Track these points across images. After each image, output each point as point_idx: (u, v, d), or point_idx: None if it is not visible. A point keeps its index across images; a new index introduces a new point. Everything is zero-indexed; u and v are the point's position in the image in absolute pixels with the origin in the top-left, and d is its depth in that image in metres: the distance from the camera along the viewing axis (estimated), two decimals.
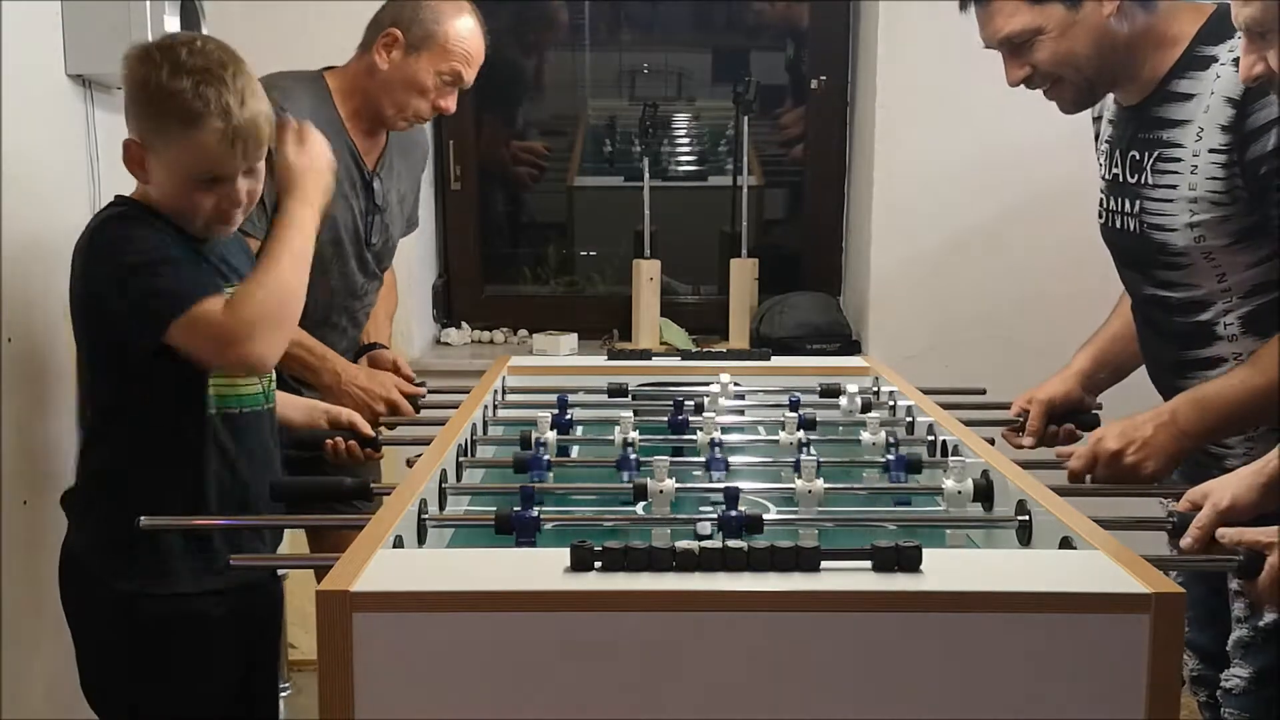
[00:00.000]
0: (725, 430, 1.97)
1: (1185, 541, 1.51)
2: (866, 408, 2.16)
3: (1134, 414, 1.87)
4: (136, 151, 1.71)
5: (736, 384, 2.31)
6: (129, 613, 1.75)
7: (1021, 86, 1.94)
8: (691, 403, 2.10)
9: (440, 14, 2.31)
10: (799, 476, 1.64)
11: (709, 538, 1.30)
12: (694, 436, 1.95)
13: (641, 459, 1.76)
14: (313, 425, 2.07)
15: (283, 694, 3.16)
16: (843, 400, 2.19)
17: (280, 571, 2.01)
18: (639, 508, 1.63)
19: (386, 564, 1.25)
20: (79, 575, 1.82)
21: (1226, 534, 1.44)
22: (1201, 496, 1.54)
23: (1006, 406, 2.24)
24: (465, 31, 2.32)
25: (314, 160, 1.87)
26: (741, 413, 2.17)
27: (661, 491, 1.59)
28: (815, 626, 1.17)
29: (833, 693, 1.17)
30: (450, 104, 2.37)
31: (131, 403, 1.75)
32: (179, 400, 1.75)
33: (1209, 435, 1.83)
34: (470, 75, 2.36)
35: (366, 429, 2.05)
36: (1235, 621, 1.86)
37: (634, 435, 1.85)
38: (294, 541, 2.57)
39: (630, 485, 1.64)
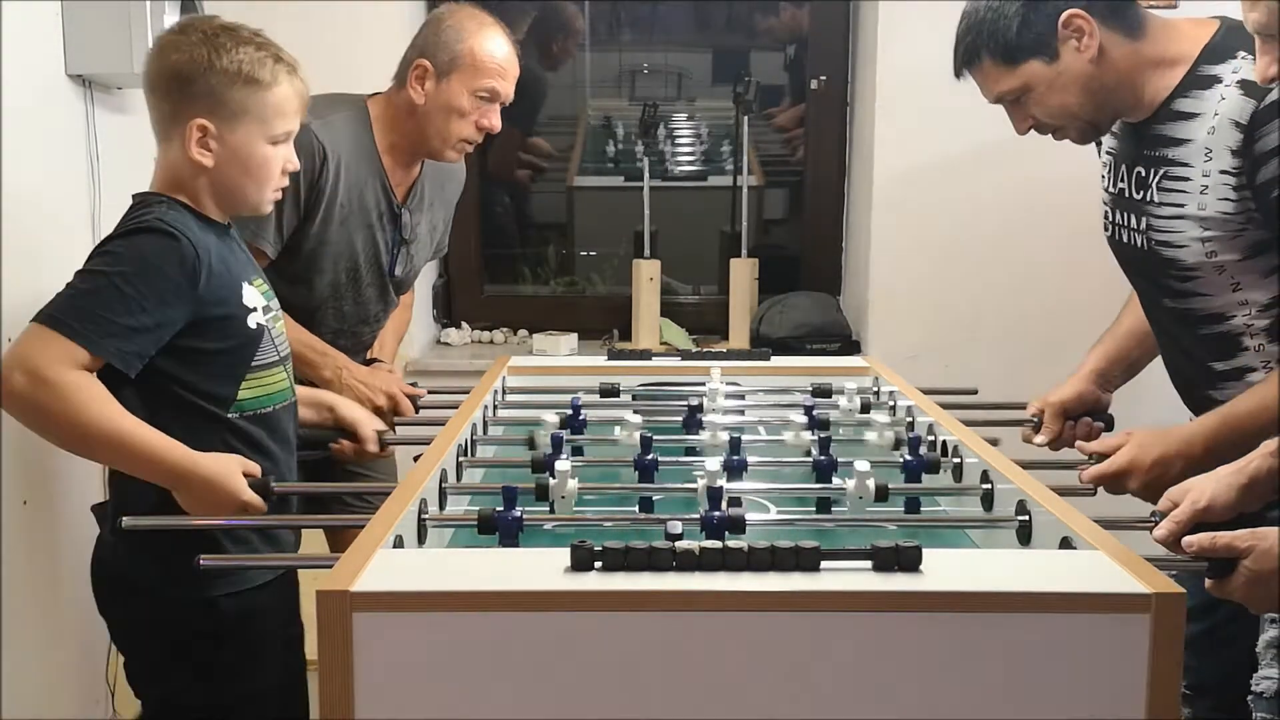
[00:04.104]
0: (730, 430, 1.97)
1: (1159, 533, 1.50)
2: (866, 408, 2.17)
3: (1163, 431, 1.83)
4: (205, 133, 1.70)
5: (736, 383, 2.31)
6: (181, 618, 1.75)
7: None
8: (695, 402, 2.11)
9: (463, 32, 2.29)
10: (849, 479, 1.65)
11: (679, 536, 1.31)
12: (702, 435, 1.95)
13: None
14: (320, 424, 2.06)
15: None
16: (841, 400, 2.20)
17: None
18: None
19: (386, 564, 1.25)
20: (120, 586, 1.80)
21: (1195, 541, 1.42)
22: (1181, 494, 1.53)
23: (1005, 406, 2.24)
24: (492, 45, 2.30)
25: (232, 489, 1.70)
26: (742, 412, 2.17)
27: (564, 497, 1.60)
28: (815, 626, 1.17)
29: (833, 693, 1.17)
30: (494, 122, 2.33)
31: (159, 409, 1.70)
32: (209, 406, 1.73)
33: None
34: (507, 89, 2.33)
35: (369, 438, 2.05)
36: (1268, 622, 1.82)
37: (563, 434, 1.87)
38: (307, 541, 2.57)
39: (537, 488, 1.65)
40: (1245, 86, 1.75)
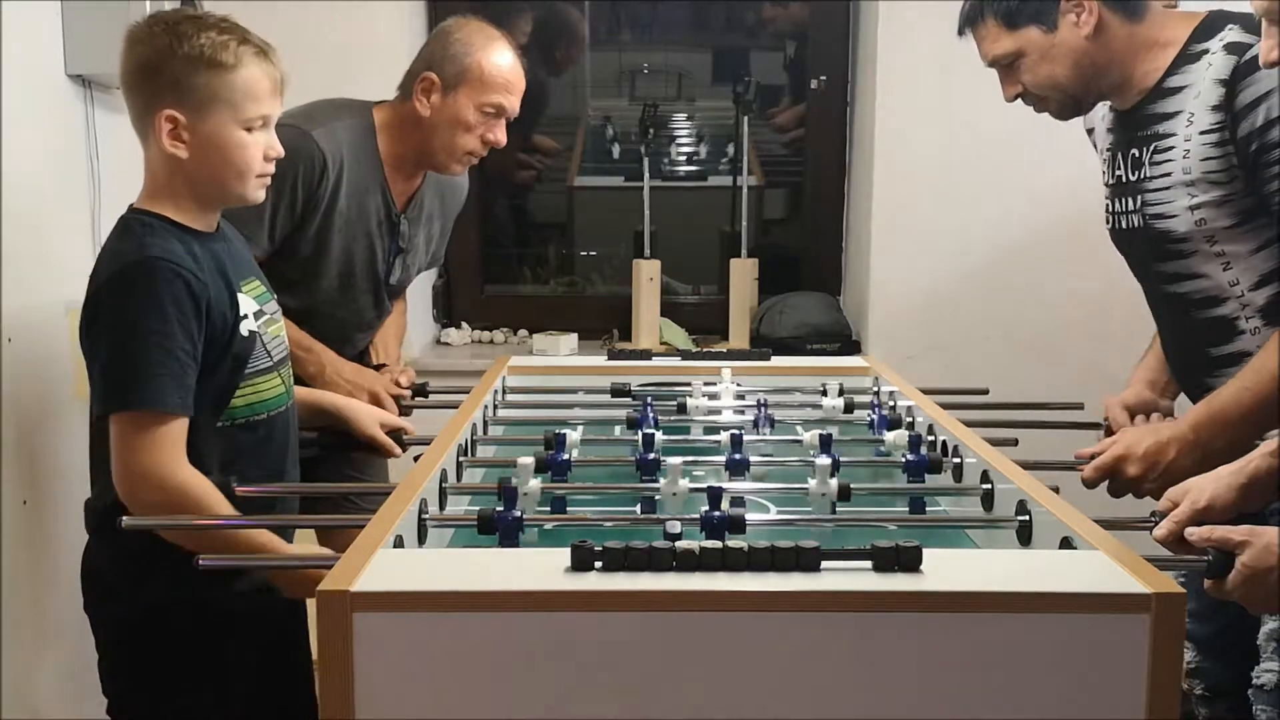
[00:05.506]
0: (727, 430, 1.97)
1: (1159, 533, 1.51)
2: (850, 408, 2.17)
3: (1153, 425, 1.86)
4: (175, 124, 1.66)
5: (736, 384, 2.31)
6: (151, 623, 1.74)
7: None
8: (690, 402, 2.11)
9: (471, 46, 2.28)
10: (812, 478, 1.65)
11: (679, 536, 1.31)
12: (697, 437, 1.95)
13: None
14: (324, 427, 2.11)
15: None
16: (825, 400, 2.20)
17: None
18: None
19: (386, 564, 1.25)
20: (100, 588, 1.80)
21: (1195, 533, 1.43)
22: (1181, 494, 1.54)
23: (1007, 407, 2.24)
24: (499, 59, 2.29)
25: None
26: (743, 413, 2.17)
27: (675, 494, 1.62)
28: (815, 626, 1.17)
29: (833, 693, 1.17)
30: (499, 136, 2.33)
31: None
32: (199, 415, 1.69)
33: (1230, 450, 1.78)
34: (513, 104, 2.32)
35: (389, 447, 2.14)
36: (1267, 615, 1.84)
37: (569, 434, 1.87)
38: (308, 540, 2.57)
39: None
40: (1230, 47, 1.80)
